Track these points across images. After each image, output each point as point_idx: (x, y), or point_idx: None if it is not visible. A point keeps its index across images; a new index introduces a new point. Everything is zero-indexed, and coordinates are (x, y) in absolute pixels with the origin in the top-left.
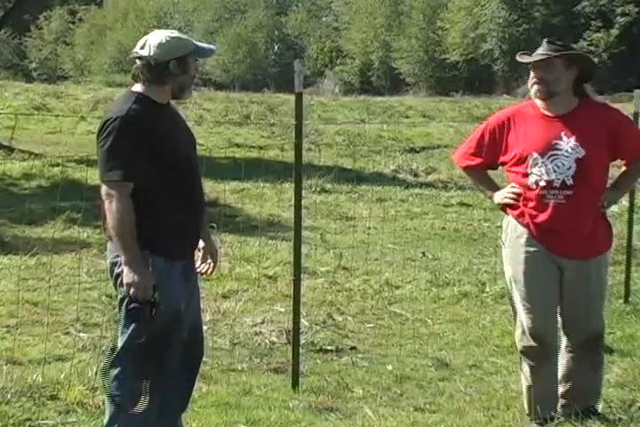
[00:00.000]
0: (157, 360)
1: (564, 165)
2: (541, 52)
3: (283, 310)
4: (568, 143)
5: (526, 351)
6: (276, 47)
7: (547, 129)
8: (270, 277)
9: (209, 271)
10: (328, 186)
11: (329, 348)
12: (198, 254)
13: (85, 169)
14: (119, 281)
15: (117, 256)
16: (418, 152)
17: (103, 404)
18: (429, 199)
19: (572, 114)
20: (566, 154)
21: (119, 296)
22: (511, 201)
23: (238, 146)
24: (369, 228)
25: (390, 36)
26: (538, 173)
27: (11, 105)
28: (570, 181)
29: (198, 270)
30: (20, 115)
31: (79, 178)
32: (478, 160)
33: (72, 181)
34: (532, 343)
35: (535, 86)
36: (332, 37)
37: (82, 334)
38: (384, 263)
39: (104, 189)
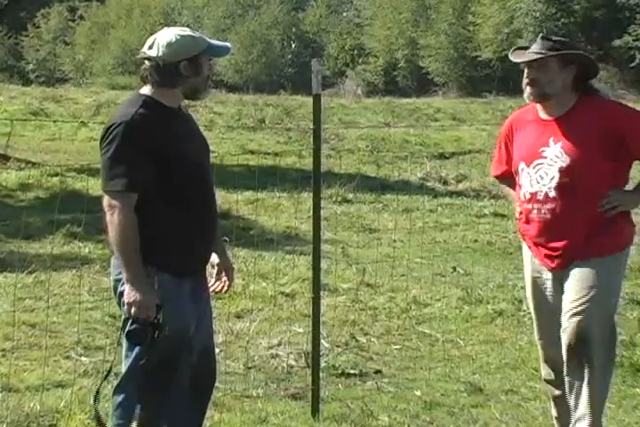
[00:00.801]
0: (164, 386)
1: (547, 174)
2: (535, 50)
3: (301, 330)
4: (554, 150)
5: (548, 381)
6: (292, 45)
7: (537, 135)
8: (287, 295)
9: (223, 290)
10: (350, 195)
11: (352, 372)
12: (211, 271)
13: (86, 179)
14: (123, 300)
15: (122, 273)
16: (447, 158)
17: None
18: (460, 209)
19: (566, 116)
20: (550, 162)
21: (123, 316)
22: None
23: (252, 153)
24: (394, 241)
25: (417, 32)
26: (524, 185)
27: (6, 110)
28: (552, 193)
29: (212, 289)
30: (16, 120)
31: (80, 188)
32: (502, 169)
33: (72, 191)
34: (551, 372)
35: (528, 88)
36: (354, 34)
37: (83, 358)
38: (411, 279)
39: (106, 199)
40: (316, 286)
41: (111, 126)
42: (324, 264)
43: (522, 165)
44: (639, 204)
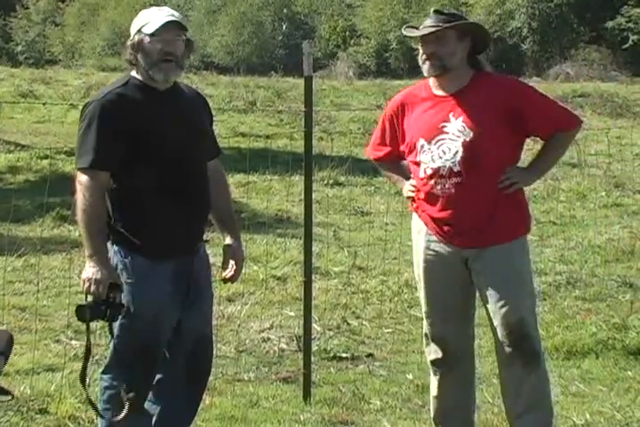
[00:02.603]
0: (144, 369)
1: (450, 149)
2: (430, 24)
3: (293, 314)
4: (455, 125)
5: (434, 361)
6: (284, 27)
7: (435, 111)
8: (279, 279)
9: (231, 278)
10: (341, 178)
11: (343, 355)
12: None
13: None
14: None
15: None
16: None
17: (97, 418)
18: None
19: (463, 91)
20: (453, 137)
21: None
22: (412, 194)
23: (243, 135)
24: (386, 224)
25: (409, 13)
26: (425, 161)
27: None
28: (457, 168)
29: (223, 276)
30: (4, 103)
31: (70, 171)
32: (386, 150)
33: (62, 174)
34: (439, 350)
35: (427, 62)
36: (346, 15)
37: (73, 342)
38: (403, 262)
39: (77, 176)
40: (308, 269)
41: (85, 105)
42: (315, 247)
43: (421, 142)
44: (534, 181)
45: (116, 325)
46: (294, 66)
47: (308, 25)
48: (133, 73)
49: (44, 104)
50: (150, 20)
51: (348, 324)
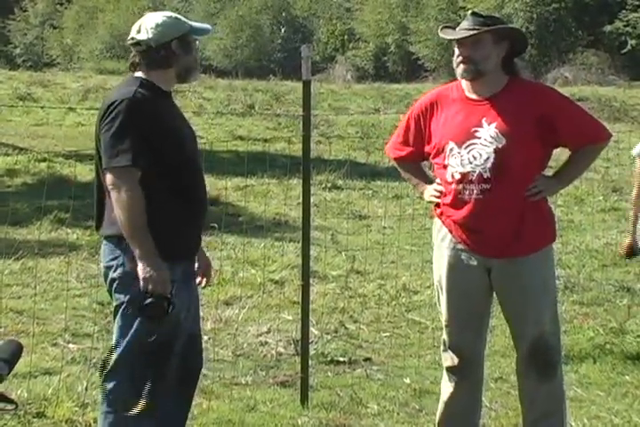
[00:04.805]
0: (159, 372)
1: (481, 155)
2: (467, 26)
3: (290, 318)
4: (488, 131)
5: (450, 368)
6: (282, 30)
7: (467, 115)
8: (277, 282)
9: (202, 283)
10: (339, 182)
11: (341, 359)
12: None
13: (74, 165)
14: (115, 287)
15: (113, 259)
16: None
17: (95, 422)
18: None
19: (497, 96)
20: (485, 143)
21: (114, 304)
22: (435, 199)
23: (241, 138)
24: (384, 227)
25: (407, 17)
26: (454, 165)
27: None
28: (487, 174)
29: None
30: (2, 106)
31: (68, 174)
32: (408, 150)
33: (60, 177)
34: (455, 358)
35: (461, 66)
36: (344, 19)
37: (71, 346)
38: (401, 266)
39: (110, 178)
40: (306, 273)
41: (112, 104)
42: (313, 251)
43: (451, 145)
44: (559, 190)
45: (134, 325)
46: (293, 69)
47: (306, 28)
48: (139, 74)
49: (42, 108)
50: (189, 24)
51: (346, 328)
